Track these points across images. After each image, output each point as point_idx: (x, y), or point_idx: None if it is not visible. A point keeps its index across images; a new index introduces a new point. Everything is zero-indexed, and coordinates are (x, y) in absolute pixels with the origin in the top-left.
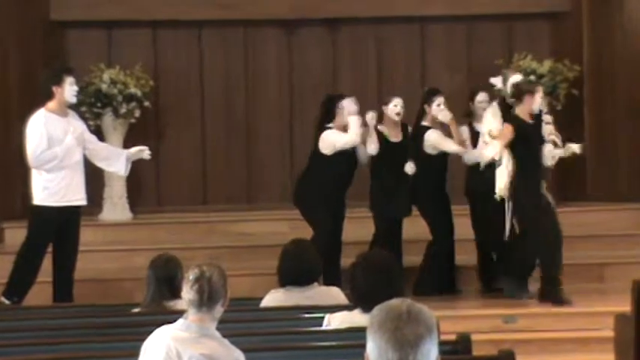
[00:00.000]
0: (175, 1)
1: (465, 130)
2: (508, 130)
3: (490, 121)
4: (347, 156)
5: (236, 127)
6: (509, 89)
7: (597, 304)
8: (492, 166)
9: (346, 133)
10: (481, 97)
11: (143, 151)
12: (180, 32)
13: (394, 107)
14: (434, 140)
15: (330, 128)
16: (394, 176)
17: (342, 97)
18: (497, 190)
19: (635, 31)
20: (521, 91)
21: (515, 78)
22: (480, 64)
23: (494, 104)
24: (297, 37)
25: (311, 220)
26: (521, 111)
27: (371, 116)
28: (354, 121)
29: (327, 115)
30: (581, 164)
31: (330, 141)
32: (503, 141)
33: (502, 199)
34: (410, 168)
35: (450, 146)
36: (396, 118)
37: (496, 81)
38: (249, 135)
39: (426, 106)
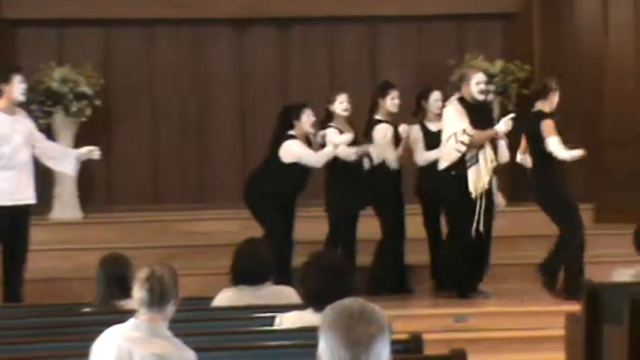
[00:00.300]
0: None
1: (416, 129)
2: (552, 126)
3: (457, 120)
4: (304, 167)
5: (187, 126)
6: (473, 88)
7: (548, 304)
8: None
9: (307, 141)
10: (436, 95)
11: (93, 152)
12: (132, 30)
13: (341, 104)
14: (377, 139)
15: (293, 136)
16: (349, 172)
17: (301, 106)
18: (472, 189)
19: (585, 31)
20: (549, 89)
21: (479, 77)
22: (432, 64)
23: (455, 103)
24: (249, 36)
25: (261, 219)
26: (545, 107)
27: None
28: (329, 153)
29: (284, 125)
30: None
31: (294, 153)
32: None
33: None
34: (366, 162)
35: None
36: (345, 114)
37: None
38: (200, 133)
39: (379, 99)
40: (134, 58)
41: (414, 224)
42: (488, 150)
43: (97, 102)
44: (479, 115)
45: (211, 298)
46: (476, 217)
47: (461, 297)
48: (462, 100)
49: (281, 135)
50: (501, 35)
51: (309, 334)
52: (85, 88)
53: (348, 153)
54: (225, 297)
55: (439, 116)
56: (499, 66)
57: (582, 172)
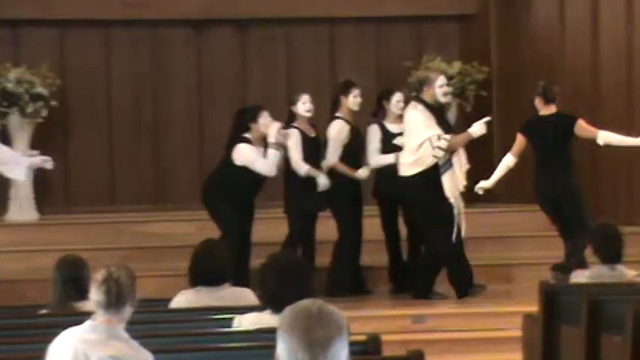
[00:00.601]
0: (83, 0)
1: (375, 130)
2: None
3: (428, 125)
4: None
5: (144, 127)
6: (437, 90)
7: (505, 305)
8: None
9: (263, 143)
10: (398, 96)
11: (46, 162)
12: (88, 31)
13: (303, 105)
14: (331, 134)
15: (247, 139)
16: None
17: (258, 109)
18: (449, 194)
19: (541, 33)
20: (554, 93)
21: (442, 80)
22: (389, 66)
23: (421, 107)
24: (206, 37)
25: (218, 221)
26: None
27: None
28: (275, 155)
29: (240, 128)
30: (489, 165)
31: (246, 157)
32: None
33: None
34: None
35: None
36: (308, 115)
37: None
38: (157, 134)
39: (342, 97)
40: (90, 59)
41: (372, 226)
42: (462, 154)
43: (53, 103)
44: (439, 118)
45: (169, 300)
46: (456, 220)
47: (419, 298)
48: (424, 104)
49: (236, 137)
50: (459, 37)
51: (267, 335)
52: (40, 89)
53: (299, 167)
54: (184, 299)
55: (399, 118)
56: (457, 68)
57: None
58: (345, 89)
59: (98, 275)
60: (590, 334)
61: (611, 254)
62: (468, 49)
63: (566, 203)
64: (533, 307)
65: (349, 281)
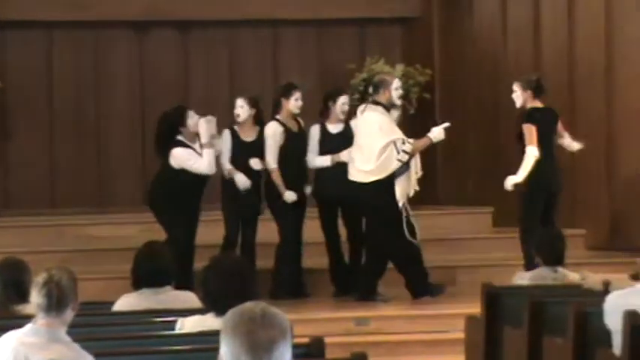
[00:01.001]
0: (25, 1)
1: (315, 131)
2: None
3: (391, 128)
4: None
5: (86, 129)
6: (393, 93)
7: (448, 307)
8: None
9: (197, 140)
10: (344, 99)
11: None
12: (30, 32)
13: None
14: (266, 135)
15: (180, 142)
16: (246, 175)
17: (182, 110)
18: (399, 197)
19: (484, 36)
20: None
21: (397, 83)
22: (332, 68)
23: (381, 110)
24: (149, 39)
25: (163, 223)
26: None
27: None
28: (209, 153)
29: (170, 132)
30: (432, 168)
31: (183, 161)
32: None
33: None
34: (255, 163)
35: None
36: (239, 119)
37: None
38: (99, 137)
39: (282, 100)
40: (32, 60)
41: (312, 228)
42: (418, 160)
43: None
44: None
45: (111, 303)
46: (405, 222)
47: (362, 300)
48: (383, 106)
49: (166, 141)
50: (402, 40)
51: (210, 338)
52: None
53: (223, 167)
54: (126, 302)
55: (341, 120)
56: (400, 70)
57: (479, 176)
58: (287, 92)
59: (39, 278)
60: (532, 336)
61: (553, 256)
62: (410, 51)
63: (558, 195)
64: (476, 309)
65: (291, 284)
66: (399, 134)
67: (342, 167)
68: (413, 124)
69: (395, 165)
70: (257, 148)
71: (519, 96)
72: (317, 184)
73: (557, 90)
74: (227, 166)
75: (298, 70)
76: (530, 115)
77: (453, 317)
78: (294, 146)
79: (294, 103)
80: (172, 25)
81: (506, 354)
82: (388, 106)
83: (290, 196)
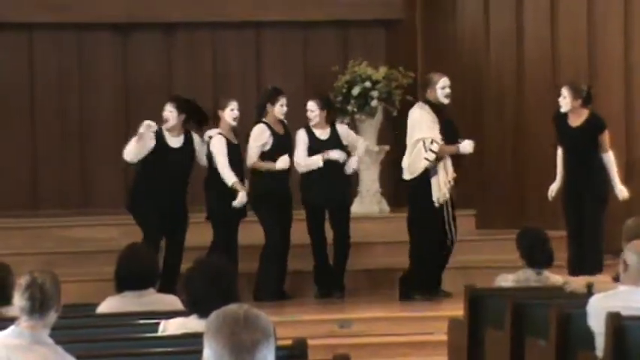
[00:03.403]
0: (4, 3)
1: (303, 135)
2: None
3: (428, 126)
4: (167, 163)
5: (69, 132)
6: (439, 92)
7: (431, 309)
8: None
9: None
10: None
11: None
12: (10, 34)
13: (231, 112)
14: (251, 136)
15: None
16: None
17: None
18: (435, 199)
19: (467, 39)
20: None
21: (444, 81)
22: (316, 70)
23: (427, 107)
24: (133, 41)
25: (140, 225)
26: None
27: None
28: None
29: None
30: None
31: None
32: None
33: (441, 206)
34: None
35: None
36: (234, 123)
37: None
38: (82, 139)
39: (268, 105)
40: (13, 62)
41: (297, 230)
42: (448, 162)
43: None
44: (443, 118)
45: (94, 305)
46: (447, 225)
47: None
48: (429, 103)
49: None
50: (385, 42)
51: (193, 340)
52: None
53: (228, 177)
54: (110, 304)
55: (320, 123)
56: (383, 72)
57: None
58: (273, 97)
59: (22, 281)
60: (514, 338)
61: (537, 259)
62: (394, 54)
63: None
64: (459, 311)
65: (274, 286)
66: (429, 133)
67: (327, 171)
68: (396, 125)
69: (423, 164)
70: (240, 151)
71: (568, 103)
72: (304, 190)
73: (539, 95)
74: (233, 177)
75: (282, 72)
76: (604, 124)
77: (437, 319)
78: (280, 149)
79: (279, 109)
80: (156, 27)
81: (488, 356)
82: (436, 104)
83: (283, 161)
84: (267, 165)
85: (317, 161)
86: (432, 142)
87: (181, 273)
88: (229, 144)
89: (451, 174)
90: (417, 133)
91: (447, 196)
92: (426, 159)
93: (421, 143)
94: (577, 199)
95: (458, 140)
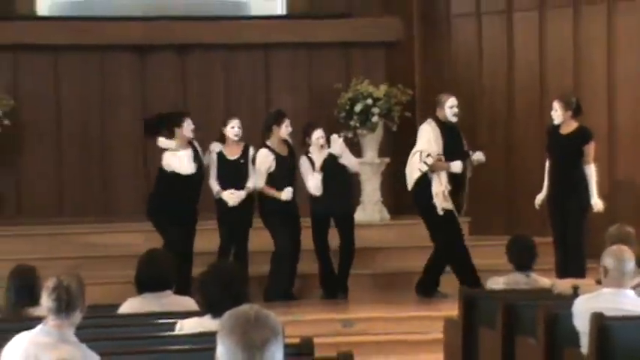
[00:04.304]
0: (34, 26)
1: (305, 161)
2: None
3: (430, 141)
4: (189, 175)
5: (91, 145)
6: (447, 111)
7: (428, 309)
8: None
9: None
10: (318, 133)
11: None
12: (39, 55)
13: (232, 129)
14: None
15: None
16: (235, 189)
17: (183, 114)
18: (435, 201)
19: (461, 59)
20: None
21: (452, 101)
22: (321, 88)
23: (433, 124)
24: (150, 61)
25: (159, 232)
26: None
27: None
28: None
29: (164, 123)
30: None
31: (168, 162)
32: None
33: (447, 211)
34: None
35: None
36: (235, 139)
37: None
38: (104, 152)
39: (274, 127)
40: (41, 82)
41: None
42: (442, 176)
43: (6, 122)
44: (451, 135)
45: (116, 306)
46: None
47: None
48: (437, 121)
49: (154, 128)
50: (385, 62)
51: (207, 338)
52: None
53: (212, 186)
54: (130, 305)
55: (322, 147)
56: (383, 90)
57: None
58: (278, 120)
59: (49, 283)
60: (506, 337)
61: (525, 262)
62: (393, 72)
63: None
64: (454, 312)
65: (283, 288)
66: (427, 147)
67: (333, 183)
68: (395, 140)
69: (416, 174)
70: (241, 166)
71: (560, 115)
72: (312, 201)
73: (528, 110)
74: (215, 186)
75: (289, 90)
76: (591, 134)
77: (433, 319)
78: (283, 170)
79: (284, 130)
80: (172, 48)
81: (482, 353)
82: (446, 123)
83: (287, 193)
84: (274, 193)
85: (317, 179)
86: (427, 156)
87: (195, 277)
88: (225, 159)
89: (446, 186)
90: (418, 146)
91: (449, 204)
92: (419, 169)
93: (418, 155)
94: (561, 208)
95: (468, 154)
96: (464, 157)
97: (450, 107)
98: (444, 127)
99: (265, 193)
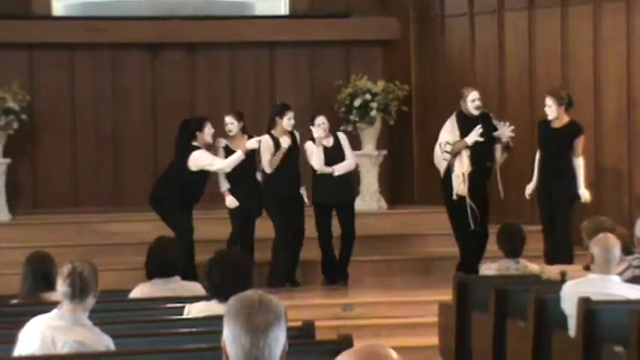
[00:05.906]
0: (50, 25)
1: (311, 144)
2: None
3: (448, 132)
4: (206, 172)
5: (104, 139)
6: (469, 105)
7: (424, 294)
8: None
9: (209, 150)
10: (321, 119)
11: None
12: (54, 53)
13: (288, 120)
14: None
15: (198, 147)
16: (245, 181)
17: (204, 120)
18: (455, 192)
19: (455, 56)
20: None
21: (473, 95)
22: (322, 84)
23: (453, 117)
24: (160, 59)
25: (169, 221)
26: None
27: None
28: (238, 156)
29: (188, 136)
30: (409, 172)
31: (201, 162)
32: None
33: (461, 198)
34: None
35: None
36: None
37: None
38: (116, 145)
39: (277, 118)
40: (56, 78)
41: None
42: (464, 157)
43: (24, 116)
44: (472, 126)
45: (127, 291)
46: (470, 217)
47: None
48: (460, 114)
49: (185, 145)
50: (382, 59)
51: (214, 321)
52: (12, 104)
53: (220, 184)
54: (141, 290)
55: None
56: (381, 86)
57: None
58: (281, 112)
59: (64, 269)
60: (497, 320)
61: (514, 249)
62: (390, 69)
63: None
64: (448, 296)
65: (285, 274)
66: (447, 138)
67: (334, 176)
68: (392, 133)
69: (443, 164)
70: (249, 157)
71: (554, 110)
72: (314, 190)
73: (519, 105)
74: (225, 184)
75: (292, 86)
76: (581, 129)
77: (429, 303)
78: (286, 157)
79: (287, 122)
80: (180, 47)
81: (474, 336)
82: (468, 115)
83: (284, 141)
84: (277, 156)
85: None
86: (446, 144)
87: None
88: (231, 153)
89: (467, 167)
90: (440, 138)
91: (464, 189)
92: (444, 159)
93: (438, 147)
94: (549, 198)
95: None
96: (491, 144)
97: (471, 101)
98: (466, 119)
99: (273, 170)
